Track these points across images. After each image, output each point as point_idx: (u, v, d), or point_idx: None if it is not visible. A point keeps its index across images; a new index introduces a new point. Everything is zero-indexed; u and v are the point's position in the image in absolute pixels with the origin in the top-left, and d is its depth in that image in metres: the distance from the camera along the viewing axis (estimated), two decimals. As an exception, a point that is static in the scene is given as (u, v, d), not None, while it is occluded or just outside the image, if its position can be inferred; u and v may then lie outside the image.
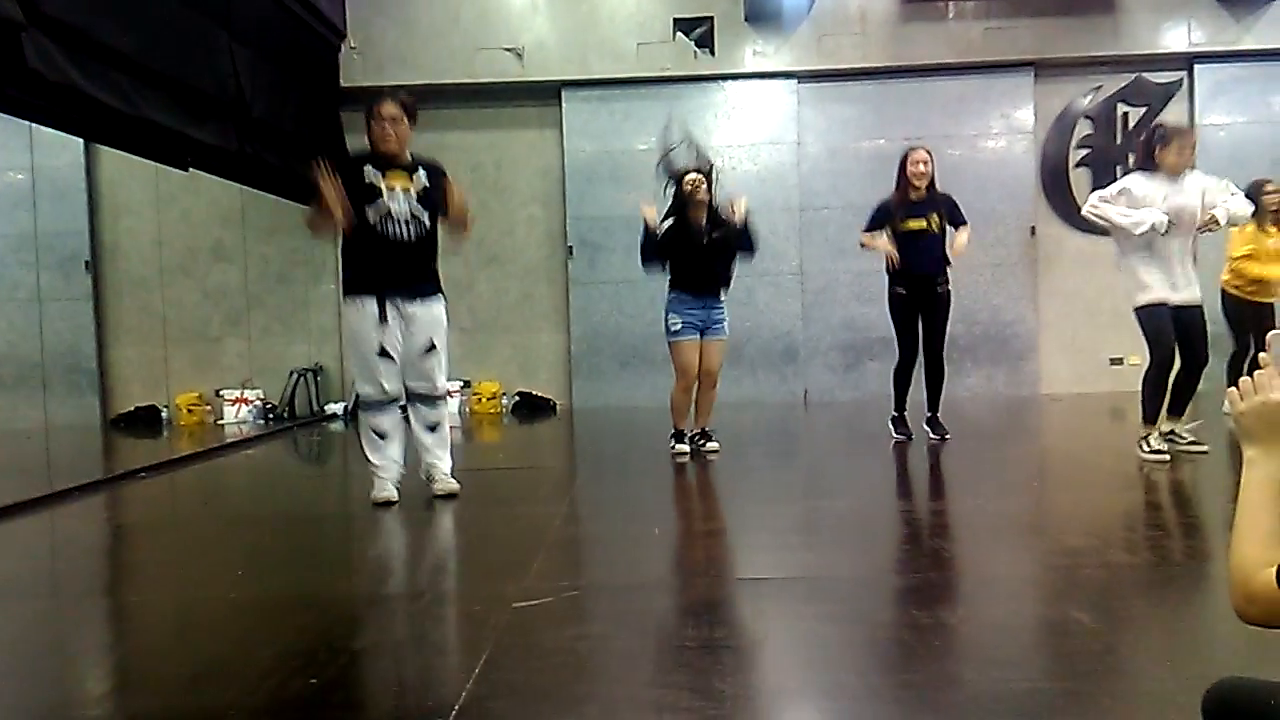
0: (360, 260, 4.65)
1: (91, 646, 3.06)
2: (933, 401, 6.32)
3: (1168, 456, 5.23)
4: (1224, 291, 7.01)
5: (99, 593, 3.79)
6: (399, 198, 4.59)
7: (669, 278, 6.00)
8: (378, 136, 4.62)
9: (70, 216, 9.53)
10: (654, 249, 5.90)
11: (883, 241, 6.22)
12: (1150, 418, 5.32)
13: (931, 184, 6.18)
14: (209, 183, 8.44)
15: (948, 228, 6.22)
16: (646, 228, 5.87)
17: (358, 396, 4.93)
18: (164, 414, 9.59)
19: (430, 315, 4.73)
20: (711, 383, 6.06)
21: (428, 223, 4.68)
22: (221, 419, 9.34)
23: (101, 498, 5.58)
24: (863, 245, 6.45)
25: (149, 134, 6.15)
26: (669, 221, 5.93)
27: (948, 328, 6.31)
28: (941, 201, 6.21)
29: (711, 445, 6.06)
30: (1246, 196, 5.68)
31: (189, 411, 9.43)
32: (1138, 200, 5.26)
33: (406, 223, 4.60)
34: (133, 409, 9.60)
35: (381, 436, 4.78)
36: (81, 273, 9.58)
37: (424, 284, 4.71)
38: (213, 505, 5.63)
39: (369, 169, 4.60)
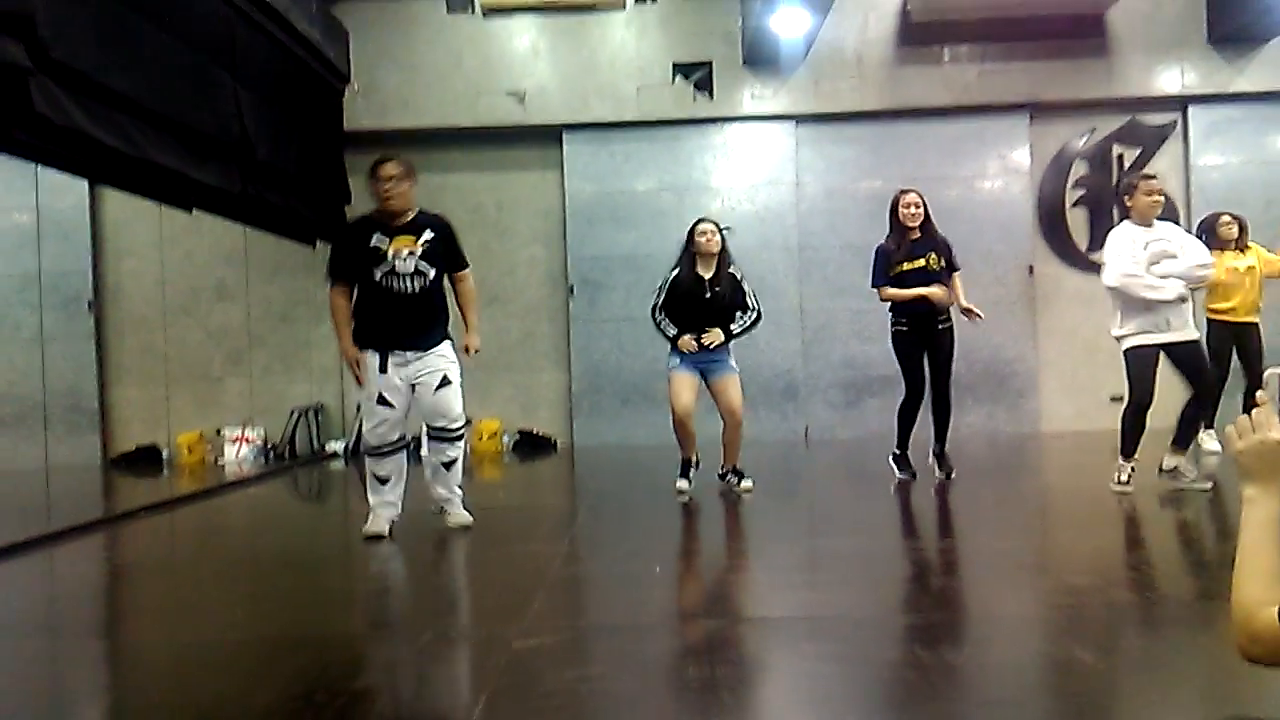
0: (367, 314, 4.82)
1: (88, 688, 3.04)
2: (940, 437, 6.30)
3: (1131, 489, 5.33)
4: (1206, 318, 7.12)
5: (96, 633, 3.77)
6: (403, 256, 4.74)
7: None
8: (380, 195, 4.80)
9: (74, 257, 9.58)
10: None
11: (908, 292, 6.13)
12: (1127, 452, 5.42)
13: (926, 223, 6.22)
14: (212, 224, 8.51)
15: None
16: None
17: (363, 438, 5.00)
18: (164, 453, 9.57)
19: (436, 356, 4.82)
20: (735, 422, 5.94)
21: (431, 275, 4.79)
22: (222, 458, 9.32)
23: (100, 537, 5.56)
24: (886, 299, 6.32)
25: (153, 176, 6.20)
26: (676, 271, 5.93)
27: (953, 364, 6.31)
28: (941, 242, 6.23)
29: (745, 484, 5.95)
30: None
31: (189, 451, 9.40)
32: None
33: (410, 277, 4.75)
34: (133, 448, 9.58)
35: (383, 481, 4.88)
36: (84, 313, 9.61)
37: (428, 335, 4.83)
38: (212, 545, 5.61)
39: (376, 235, 4.77)
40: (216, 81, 6.68)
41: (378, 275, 4.72)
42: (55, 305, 9.61)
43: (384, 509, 4.86)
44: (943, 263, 6.19)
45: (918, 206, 6.17)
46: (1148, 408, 5.38)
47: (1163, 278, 5.31)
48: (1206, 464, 6.35)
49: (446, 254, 4.88)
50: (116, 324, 9.77)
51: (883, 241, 6.29)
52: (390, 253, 4.73)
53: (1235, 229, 7.13)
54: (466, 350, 4.99)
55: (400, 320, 4.76)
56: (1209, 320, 7.04)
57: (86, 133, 5.20)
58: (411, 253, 4.75)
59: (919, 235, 6.17)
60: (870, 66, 9.34)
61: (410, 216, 4.85)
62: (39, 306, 9.61)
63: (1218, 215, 7.24)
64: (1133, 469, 5.41)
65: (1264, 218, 9.28)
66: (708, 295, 5.85)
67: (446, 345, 4.90)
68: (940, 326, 6.20)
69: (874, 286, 6.29)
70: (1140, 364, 5.36)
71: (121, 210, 9.53)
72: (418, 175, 4.95)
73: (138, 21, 5.64)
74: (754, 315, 5.95)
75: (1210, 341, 6.92)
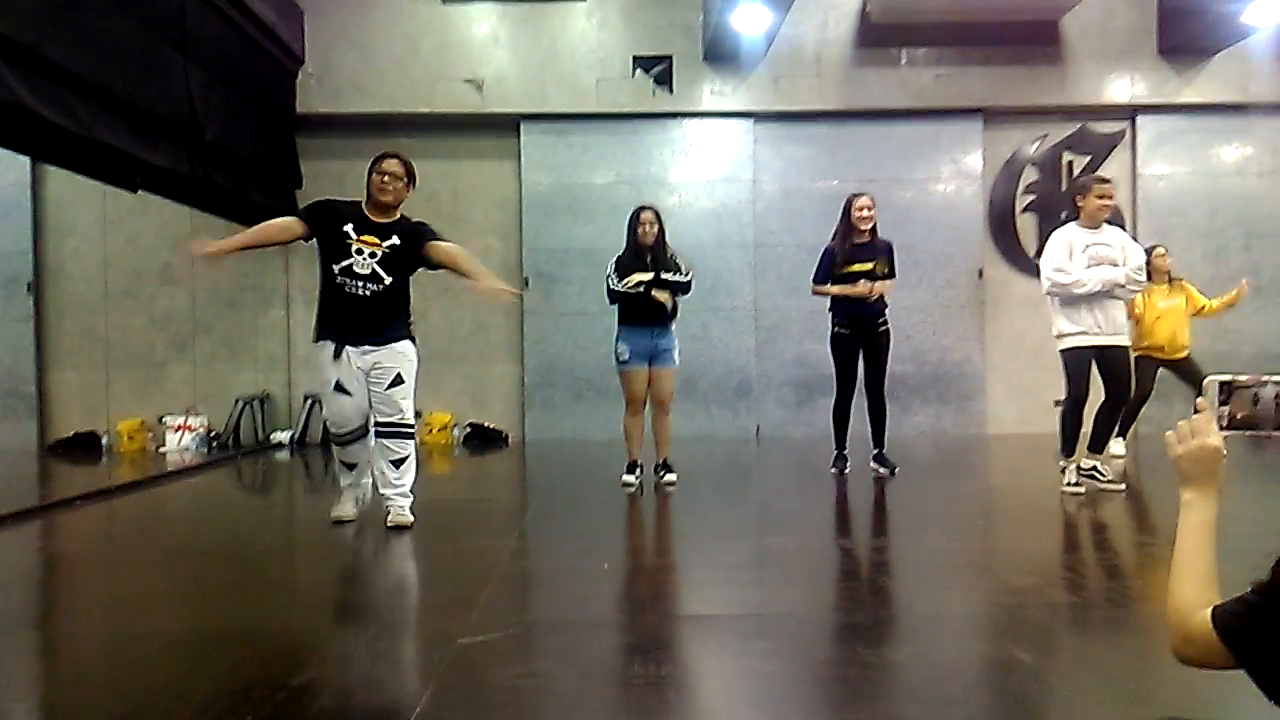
0: (325, 307, 4.86)
1: (18, 680, 2.95)
2: (878, 438, 6.50)
3: (1082, 490, 5.53)
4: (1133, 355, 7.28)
5: (28, 625, 3.66)
6: (363, 258, 4.74)
7: (618, 312, 6.11)
8: (376, 186, 4.81)
9: (13, 237, 9.32)
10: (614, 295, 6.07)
11: (838, 287, 6.33)
12: (1067, 451, 5.64)
13: (874, 229, 6.35)
14: (158, 205, 8.32)
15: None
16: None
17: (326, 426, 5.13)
18: (104, 440, 9.36)
19: (394, 352, 4.83)
20: (664, 410, 6.11)
21: (388, 280, 4.78)
22: (164, 446, 9.14)
23: (35, 526, 5.42)
24: (816, 294, 6.56)
25: (98, 154, 6.06)
26: (620, 255, 6.05)
27: (888, 365, 6.47)
28: (883, 249, 6.38)
29: (670, 476, 6.09)
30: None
31: (130, 438, 9.21)
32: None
33: (364, 281, 4.75)
34: (72, 435, 9.35)
35: (350, 467, 5.00)
36: (23, 294, 9.36)
37: (383, 333, 4.82)
38: (151, 535, 5.49)
39: (351, 224, 4.77)
40: (166, 60, 6.54)
41: (336, 269, 4.74)
42: (-7, 286, 9.34)
43: (351, 491, 5.00)
44: (886, 269, 6.31)
45: (870, 210, 6.31)
46: (1084, 404, 5.59)
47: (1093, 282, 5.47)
48: (1116, 467, 6.51)
49: (418, 248, 4.81)
50: (57, 306, 9.52)
51: (831, 242, 6.39)
52: (353, 249, 4.73)
53: (1168, 261, 7.30)
54: (485, 289, 4.79)
55: (354, 320, 4.77)
56: (1136, 357, 7.19)
57: (29, 108, 5.07)
58: (373, 254, 4.75)
59: (867, 239, 6.29)
60: (829, 66, 9.40)
61: (392, 218, 4.85)
62: (-25, 286, 9.34)
63: (1154, 246, 7.42)
64: (1078, 468, 5.56)
65: (1208, 227, 9.54)
66: (648, 265, 5.98)
67: (406, 344, 4.89)
68: (879, 329, 6.34)
69: (814, 283, 6.46)
70: (1076, 363, 5.57)
71: (64, 189, 9.30)
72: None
73: (84, -4, 5.50)
74: (686, 278, 6.03)
75: (1136, 370, 7.07)
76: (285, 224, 4.84)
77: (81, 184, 8.12)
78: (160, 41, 6.44)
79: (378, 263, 4.75)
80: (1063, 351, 5.62)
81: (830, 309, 6.47)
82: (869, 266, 6.28)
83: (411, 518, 4.89)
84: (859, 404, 6.49)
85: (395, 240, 4.78)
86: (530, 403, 9.50)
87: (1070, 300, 5.53)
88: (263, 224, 4.90)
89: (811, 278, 6.51)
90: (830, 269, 6.37)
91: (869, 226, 6.31)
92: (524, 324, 9.51)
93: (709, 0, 8.95)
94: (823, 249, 6.47)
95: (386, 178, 4.78)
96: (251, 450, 8.96)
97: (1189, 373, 7.29)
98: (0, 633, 3.43)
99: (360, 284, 4.74)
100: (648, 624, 3.30)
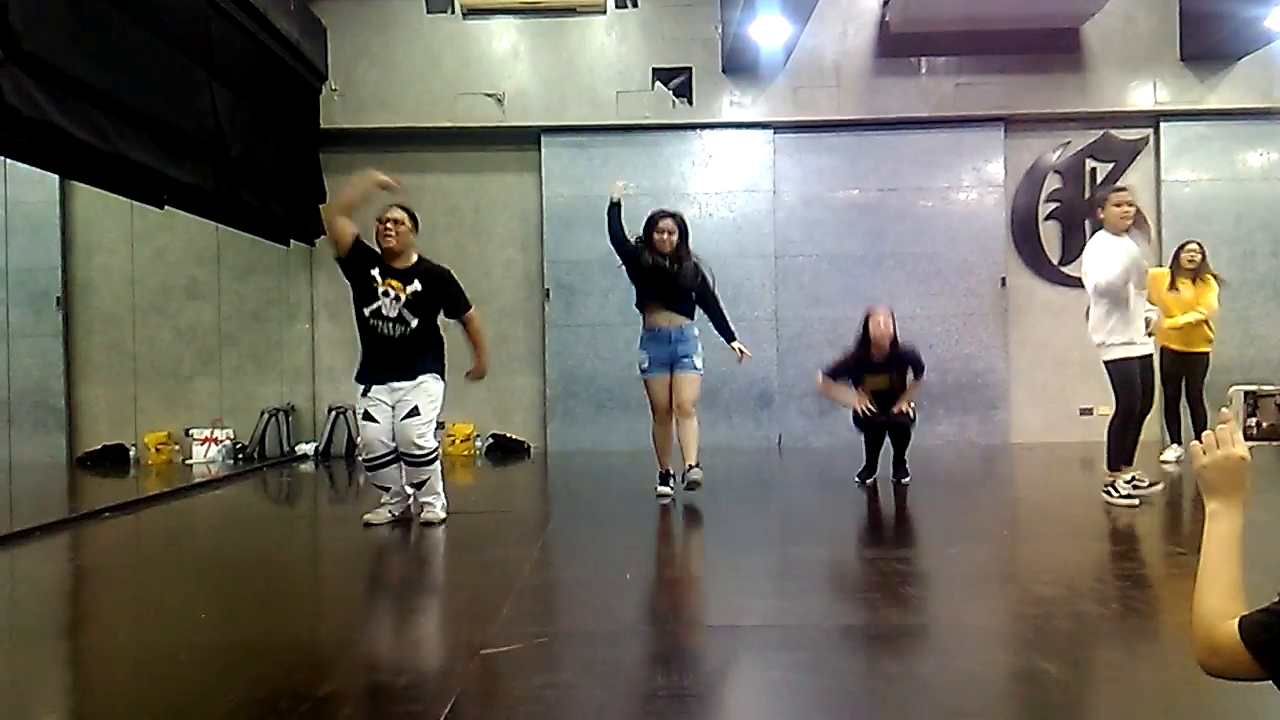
0: (364, 353, 5.22)
1: (46, 691, 2.99)
2: (898, 467, 6.56)
3: (1137, 503, 5.37)
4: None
5: (56, 635, 3.71)
6: (389, 301, 5.08)
7: (639, 312, 6.08)
8: (380, 234, 5.14)
9: (43, 253, 9.44)
10: (618, 226, 5.98)
11: (844, 394, 6.55)
12: (1115, 464, 5.52)
13: (895, 341, 6.41)
14: (185, 221, 8.41)
15: (909, 377, 6.49)
16: (612, 204, 5.99)
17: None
18: (132, 453, 9.45)
19: (417, 386, 5.12)
20: (685, 414, 5.97)
21: (414, 324, 5.11)
22: (190, 459, 9.22)
23: (65, 537, 5.48)
24: (821, 392, 6.75)
25: (126, 171, 6.13)
26: (639, 249, 6.00)
27: (910, 439, 6.53)
28: (899, 360, 6.44)
29: (693, 475, 5.82)
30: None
31: (157, 451, 9.29)
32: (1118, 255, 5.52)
33: (393, 323, 5.09)
34: (100, 447, 9.45)
35: (385, 488, 5.30)
36: (52, 309, 9.48)
37: (412, 369, 5.13)
38: (178, 547, 5.54)
39: (377, 268, 5.11)
40: (192, 77, 6.62)
41: (367, 312, 5.11)
42: (22, 301, 9.45)
43: (387, 506, 5.29)
44: (904, 378, 6.45)
45: (888, 325, 6.36)
46: (1136, 416, 5.48)
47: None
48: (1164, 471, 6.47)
49: (443, 303, 5.23)
50: (85, 321, 9.64)
51: (856, 349, 6.50)
52: (380, 291, 5.06)
53: (1198, 257, 7.26)
54: (469, 375, 5.39)
55: (385, 358, 5.12)
56: (1161, 349, 7.15)
57: (58, 126, 5.14)
58: (398, 298, 5.08)
59: (886, 354, 6.39)
60: (848, 76, 9.40)
61: (409, 263, 5.15)
62: (5, 302, 9.44)
63: (1185, 243, 7.40)
64: (1131, 478, 5.47)
65: (1234, 234, 9.45)
66: (672, 270, 5.92)
67: (431, 378, 5.17)
68: (901, 420, 6.46)
69: (825, 374, 6.63)
70: (1125, 373, 5.46)
71: (92, 206, 9.42)
72: (402, 178, 5.30)
73: (112, 15, 5.58)
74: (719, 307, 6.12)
75: (1162, 365, 7.04)
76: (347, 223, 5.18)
77: (109, 200, 8.22)
78: (186, 59, 6.52)
79: (404, 306, 5.08)
80: (1110, 364, 5.47)
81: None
82: (884, 383, 6.41)
83: (443, 515, 5.21)
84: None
85: (418, 286, 5.11)
86: (552, 414, 9.52)
87: (1121, 309, 5.38)
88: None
89: (828, 368, 6.64)
90: (849, 370, 6.53)
91: (887, 341, 6.36)
92: (545, 335, 9.54)
93: (728, 11, 8.98)
94: (854, 347, 6.53)
95: (389, 224, 5.11)
96: (277, 462, 9.02)
97: (1192, 379, 7.26)
98: (30, 643, 3.47)
99: (390, 325, 5.09)
100: (671, 635, 3.30)
